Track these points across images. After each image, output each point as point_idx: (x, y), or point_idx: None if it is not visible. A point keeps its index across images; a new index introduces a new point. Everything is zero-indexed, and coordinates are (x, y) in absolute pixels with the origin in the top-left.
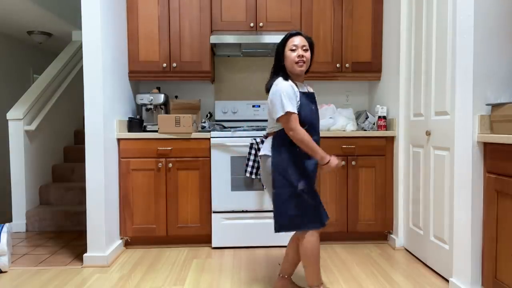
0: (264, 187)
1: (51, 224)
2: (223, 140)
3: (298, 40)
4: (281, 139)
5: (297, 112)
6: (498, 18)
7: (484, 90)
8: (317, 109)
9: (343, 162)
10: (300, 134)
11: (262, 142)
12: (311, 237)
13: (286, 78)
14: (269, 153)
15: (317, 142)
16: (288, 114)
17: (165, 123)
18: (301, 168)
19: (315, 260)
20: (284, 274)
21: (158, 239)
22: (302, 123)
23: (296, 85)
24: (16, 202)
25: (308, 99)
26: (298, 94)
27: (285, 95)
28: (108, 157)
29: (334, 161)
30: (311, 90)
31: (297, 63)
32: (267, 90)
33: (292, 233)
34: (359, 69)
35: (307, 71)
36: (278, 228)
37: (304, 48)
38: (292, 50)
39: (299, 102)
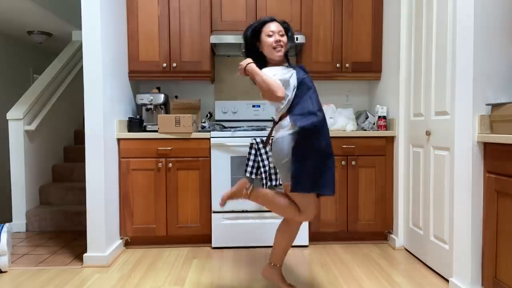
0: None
1: (51, 224)
2: (223, 140)
3: (274, 26)
4: (295, 115)
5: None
6: (498, 18)
7: (484, 90)
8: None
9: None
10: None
11: (262, 142)
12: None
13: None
14: (286, 132)
15: (317, 114)
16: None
17: (165, 123)
18: (321, 134)
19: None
20: (276, 263)
21: (158, 239)
22: (308, 88)
23: None
24: (16, 202)
25: (302, 69)
26: (293, 70)
27: (280, 71)
28: (108, 157)
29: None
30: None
31: (275, 48)
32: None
33: (270, 232)
34: (359, 69)
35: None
36: (293, 188)
37: (280, 33)
38: (269, 36)
39: (295, 77)
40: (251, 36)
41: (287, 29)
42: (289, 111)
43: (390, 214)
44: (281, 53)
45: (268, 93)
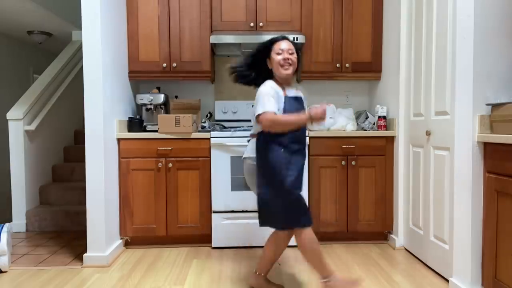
0: (250, 188)
1: (51, 224)
2: (223, 140)
3: (284, 45)
4: (264, 141)
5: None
6: (498, 19)
7: (484, 90)
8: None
9: (322, 106)
10: (278, 118)
11: None
12: (306, 232)
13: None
14: (253, 155)
15: (302, 150)
16: (266, 113)
17: (165, 123)
18: (286, 168)
19: (316, 253)
20: (261, 272)
21: (158, 239)
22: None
23: (284, 89)
24: (16, 202)
25: (296, 103)
26: (282, 99)
27: (269, 95)
28: (108, 157)
29: (313, 110)
30: (300, 94)
31: (282, 66)
32: (236, 75)
33: (270, 232)
34: (359, 69)
35: (301, 77)
36: (262, 223)
37: (290, 51)
38: (278, 54)
39: (282, 107)
40: (262, 52)
41: (297, 49)
42: (262, 133)
43: (390, 214)
44: (288, 72)
45: (275, 128)
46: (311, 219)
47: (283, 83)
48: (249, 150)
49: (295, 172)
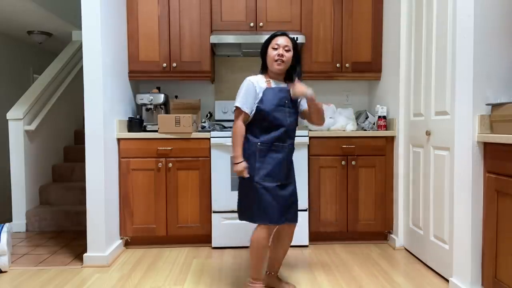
0: None
1: (51, 224)
2: (223, 140)
3: (281, 40)
4: (247, 132)
5: (247, 109)
6: (498, 18)
7: (484, 90)
8: (289, 105)
9: (247, 175)
10: (235, 128)
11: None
12: (259, 231)
13: (264, 74)
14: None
15: (281, 138)
16: (237, 108)
17: (165, 123)
18: (260, 162)
19: (258, 254)
20: (271, 271)
21: (158, 239)
22: (264, 117)
23: (270, 82)
24: (16, 202)
25: (279, 93)
26: (261, 90)
27: (243, 91)
28: (108, 157)
29: (239, 167)
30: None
31: (275, 61)
32: None
33: (273, 230)
34: (359, 69)
35: (294, 73)
36: (240, 216)
37: (286, 48)
38: (274, 49)
39: (260, 98)
40: (263, 48)
41: (295, 46)
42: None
43: (390, 214)
44: (280, 67)
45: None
46: (271, 219)
47: (274, 78)
48: None
49: (269, 166)
